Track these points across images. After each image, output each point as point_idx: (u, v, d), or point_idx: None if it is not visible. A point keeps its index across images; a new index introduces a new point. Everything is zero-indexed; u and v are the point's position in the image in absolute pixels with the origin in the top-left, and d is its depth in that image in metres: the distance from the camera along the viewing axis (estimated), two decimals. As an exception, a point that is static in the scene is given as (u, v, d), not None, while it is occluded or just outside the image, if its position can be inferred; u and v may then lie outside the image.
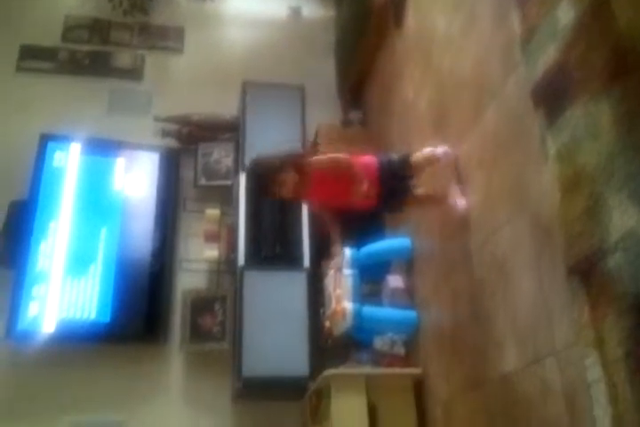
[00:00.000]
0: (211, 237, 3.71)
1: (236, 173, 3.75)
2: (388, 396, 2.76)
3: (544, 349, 1.79)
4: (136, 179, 3.86)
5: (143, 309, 3.52)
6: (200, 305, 3.64)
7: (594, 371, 1.49)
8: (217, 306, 3.62)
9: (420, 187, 2.64)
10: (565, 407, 1.67)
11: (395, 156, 2.57)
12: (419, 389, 2.80)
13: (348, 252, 3.08)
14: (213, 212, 3.75)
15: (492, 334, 2.13)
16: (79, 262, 3.55)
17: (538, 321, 1.84)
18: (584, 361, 1.53)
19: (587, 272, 1.54)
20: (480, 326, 2.23)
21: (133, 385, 3.54)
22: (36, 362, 3.38)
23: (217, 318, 3.59)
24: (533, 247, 1.89)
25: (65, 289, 3.48)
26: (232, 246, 3.62)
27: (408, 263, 3.07)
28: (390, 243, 3.16)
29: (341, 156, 2.50)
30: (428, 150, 2.58)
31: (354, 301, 2.97)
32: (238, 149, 3.86)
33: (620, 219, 1.43)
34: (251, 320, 3.31)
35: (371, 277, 3.18)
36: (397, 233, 3.23)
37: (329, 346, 3.14)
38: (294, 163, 2.40)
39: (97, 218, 3.68)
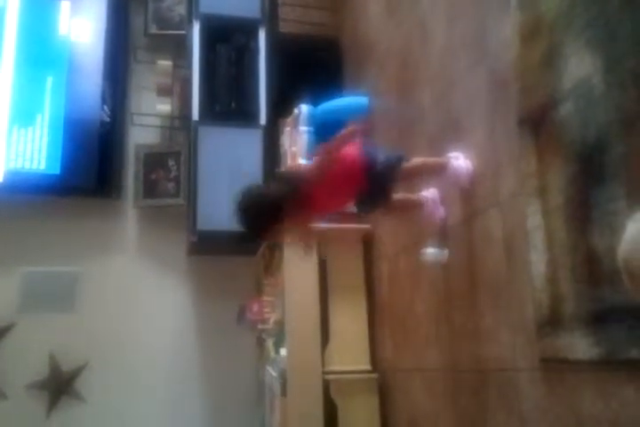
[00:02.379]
0: (163, 91, 3.59)
1: (190, 22, 3.52)
2: (338, 250, 2.84)
3: (489, 199, 1.83)
4: (83, 24, 3.61)
5: (94, 162, 3.46)
6: (153, 161, 3.60)
7: (534, 219, 1.54)
8: (171, 162, 3.58)
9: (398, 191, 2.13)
10: (504, 255, 1.74)
11: (383, 158, 1.99)
12: (367, 245, 2.89)
13: (304, 108, 3.01)
14: (165, 63, 3.59)
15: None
16: (25, 112, 3.42)
17: (485, 174, 1.86)
18: (526, 210, 1.57)
19: (537, 122, 1.53)
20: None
21: (88, 238, 3.57)
22: (-13, 213, 3.36)
23: (171, 174, 3.56)
24: (489, 100, 1.87)
25: (11, 139, 3.37)
26: (185, 101, 3.50)
27: (365, 122, 3.02)
28: (348, 101, 3.08)
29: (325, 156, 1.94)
30: (432, 160, 2.10)
31: (309, 158, 2.95)
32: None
33: (576, 67, 1.40)
34: (205, 176, 3.28)
35: (327, 136, 3.14)
36: (355, 91, 3.15)
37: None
38: (295, 197, 1.86)
39: (42, 65, 3.49)
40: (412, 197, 2.17)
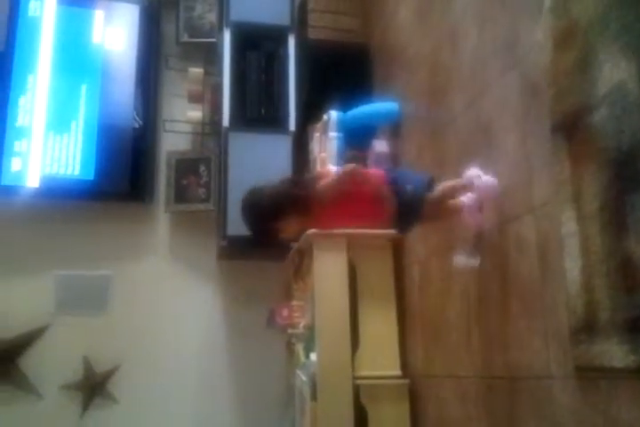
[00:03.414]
0: (194, 98, 3.63)
1: (220, 29, 3.57)
2: (368, 255, 2.84)
3: (522, 207, 1.82)
4: (116, 33, 3.68)
5: (127, 168, 3.51)
6: (184, 166, 3.65)
7: (569, 225, 1.53)
8: (201, 168, 3.62)
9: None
10: (538, 262, 1.73)
11: (409, 187, 1.95)
12: (397, 250, 2.89)
13: (334, 115, 3.03)
14: (197, 71, 3.63)
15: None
16: (60, 119, 3.49)
17: (518, 180, 1.86)
18: (560, 217, 1.56)
19: (571, 128, 1.52)
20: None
21: (119, 243, 3.63)
22: (22, 218, 3.44)
23: (201, 180, 3.61)
24: (520, 106, 1.86)
25: (47, 145, 3.45)
26: (216, 107, 3.54)
27: (394, 128, 3.04)
28: (377, 106, 3.10)
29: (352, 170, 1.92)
30: (456, 183, 2.02)
31: (338, 164, 2.97)
32: (222, 3, 3.65)
33: (610, 72, 1.39)
34: (235, 182, 3.31)
35: (356, 142, 3.16)
36: (385, 97, 3.16)
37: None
38: (298, 200, 1.87)
39: (76, 73, 3.56)
40: (450, 203, 2.10)
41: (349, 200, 1.90)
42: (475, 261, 2.08)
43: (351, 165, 1.93)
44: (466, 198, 2.10)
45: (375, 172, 2.00)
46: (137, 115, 3.60)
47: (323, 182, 1.93)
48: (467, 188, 1.99)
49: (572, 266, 1.51)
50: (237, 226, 3.24)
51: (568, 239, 1.53)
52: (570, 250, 1.52)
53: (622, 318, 1.33)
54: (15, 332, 3.37)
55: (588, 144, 1.45)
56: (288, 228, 1.88)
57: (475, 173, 1.98)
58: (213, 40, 3.69)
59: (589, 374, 1.46)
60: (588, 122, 1.45)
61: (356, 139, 3.13)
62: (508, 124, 1.93)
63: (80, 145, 3.48)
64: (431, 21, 2.69)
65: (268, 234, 1.92)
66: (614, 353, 1.34)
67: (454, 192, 2.01)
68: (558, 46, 1.61)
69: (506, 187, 1.93)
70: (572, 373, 1.53)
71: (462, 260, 2.10)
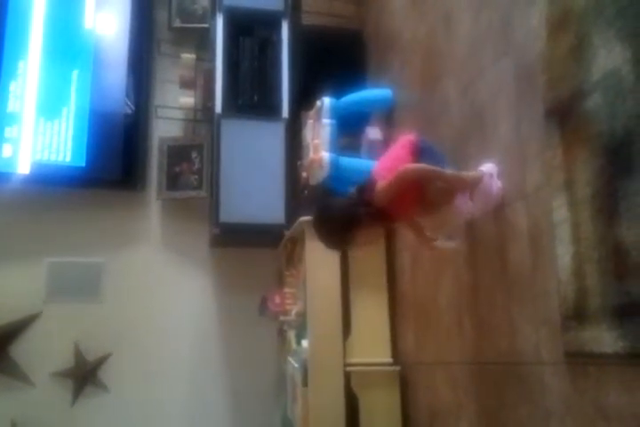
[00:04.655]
0: (186, 84, 3.60)
1: (213, 15, 3.54)
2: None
3: (515, 192, 1.82)
4: (107, 18, 3.64)
5: (119, 154, 3.49)
6: (177, 153, 3.62)
7: (560, 212, 1.53)
8: (194, 154, 3.60)
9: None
10: (529, 248, 1.73)
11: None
12: (389, 236, 2.88)
13: (327, 101, 3.00)
14: (189, 56, 3.60)
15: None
16: (51, 105, 3.45)
17: (511, 167, 1.85)
18: (552, 203, 1.56)
19: (564, 114, 1.52)
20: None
21: (112, 230, 3.61)
22: (13, 205, 3.41)
23: (194, 167, 3.59)
24: (514, 92, 1.86)
25: (38, 131, 3.41)
26: (209, 94, 3.51)
27: (388, 115, 3.02)
28: (371, 93, 3.08)
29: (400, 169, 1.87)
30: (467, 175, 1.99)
31: (331, 151, 2.95)
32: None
33: (605, 58, 1.38)
34: (228, 169, 3.30)
35: (350, 128, 3.14)
36: (379, 83, 3.15)
37: (305, 196, 3.17)
38: (367, 207, 1.87)
39: (67, 59, 3.52)
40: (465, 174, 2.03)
41: (407, 193, 1.88)
42: (453, 244, 2.12)
43: (410, 167, 1.87)
44: (485, 168, 2.01)
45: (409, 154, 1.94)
46: (129, 101, 3.57)
47: (382, 185, 1.90)
48: (475, 181, 1.95)
49: (563, 252, 1.51)
50: (230, 213, 3.27)
51: (559, 226, 1.53)
52: (561, 236, 1.52)
53: (612, 304, 1.33)
54: (6, 319, 3.35)
55: (581, 130, 1.45)
56: (363, 236, 1.90)
57: (489, 171, 1.95)
58: (206, 25, 3.65)
59: (579, 360, 1.47)
60: (582, 108, 1.45)
61: (349, 125, 3.12)
62: (502, 109, 1.93)
63: (71, 131, 3.45)
64: (425, 7, 2.67)
65: (345, 244, 1.96)
66: (604, 339, 1.35)
67: (463, 185, 1.96)
68: (552, 32, 1.60)
69: (499, 173, 1.93)
70: (562, 358, 1.53)
71: (441, 241, 2.12)
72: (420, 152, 1.92)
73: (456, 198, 2.00)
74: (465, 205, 2.05)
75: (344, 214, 1.87)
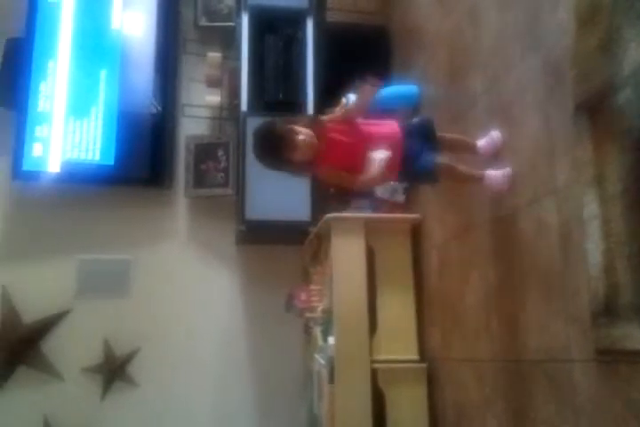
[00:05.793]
0: (213, 82, 3.62)
1: (239, 13, 3.55)
2: (386, 240, 2.84)
3: (544, 188, 1.80)
4: (134, 18, 3.68)
5: (147, 153, 3.52)
6: (203, 151, 3.64)
7: (591, 208, 1.51)
8: (220, 152, 3.62)
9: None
10: (559, 244, 1.72)
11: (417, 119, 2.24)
12: (416, 234, 2.88)
13: (352, 98, 3.00)
14: (215, 55, 3.61)
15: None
16: (80, 104, 3.50)
17: (540, 163, 1.83)
18: (582, 199, 1.54)
19: (594, 109, 1.50)
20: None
21: (139, 227, 3.65)
22: (44, 203, 3.47)
23: (220, 164, 3.61)
24: (542, 88, 1.84)
25: (68, 130, 3.46)
26: (234, 92, 3.53)
27: (414, 111, 3.01)
28: (397, 89, 3.07)
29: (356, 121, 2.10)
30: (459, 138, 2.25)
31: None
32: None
33: (636, 52, 1.36)
34: (253, 167, 3.29)
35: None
36: (405, 79, 3.13)
37: (331, 193, 3.18)
38: (309, 124, 2.02)
39: (96, 59, 3.56)
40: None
41: (360, 141, 2.02)
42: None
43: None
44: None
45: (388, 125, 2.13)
46: (156, 100, 3.60)
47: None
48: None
49: (594, 248, 1.50)
50: (256, 210, 3.28)
51: (590, 221, 1.51)
52: (591, 232, 1.51)
53: (644, 300, 1.32)
54: (37, 316, 3.42)
55: (612, 125, 1.43)
56: (300, 145, 1.97)
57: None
58: (232, 24, 3.67)
59: (610, 358, 1.45)
60: (612, 103, 1.43)
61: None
62: (530, 105, 1.91)
63: (100, 130, 3.49)
64: (451, 2, 2.66)
65: (282, 151, 2.01)
66: (635, 336, 1.33)
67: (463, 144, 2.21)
68: (582, 25, 1.58)
69: (529, 167, 1.91)
70: (593, 356, 1.52)
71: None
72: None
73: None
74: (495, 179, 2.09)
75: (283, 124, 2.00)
